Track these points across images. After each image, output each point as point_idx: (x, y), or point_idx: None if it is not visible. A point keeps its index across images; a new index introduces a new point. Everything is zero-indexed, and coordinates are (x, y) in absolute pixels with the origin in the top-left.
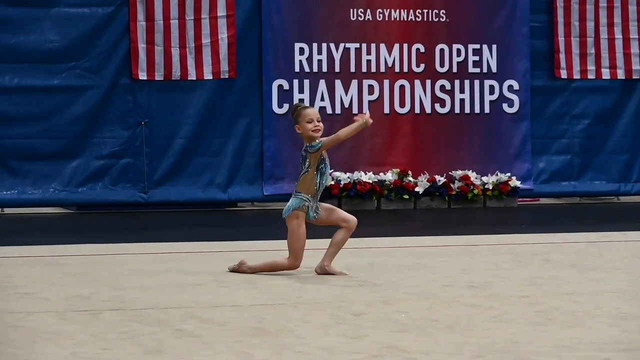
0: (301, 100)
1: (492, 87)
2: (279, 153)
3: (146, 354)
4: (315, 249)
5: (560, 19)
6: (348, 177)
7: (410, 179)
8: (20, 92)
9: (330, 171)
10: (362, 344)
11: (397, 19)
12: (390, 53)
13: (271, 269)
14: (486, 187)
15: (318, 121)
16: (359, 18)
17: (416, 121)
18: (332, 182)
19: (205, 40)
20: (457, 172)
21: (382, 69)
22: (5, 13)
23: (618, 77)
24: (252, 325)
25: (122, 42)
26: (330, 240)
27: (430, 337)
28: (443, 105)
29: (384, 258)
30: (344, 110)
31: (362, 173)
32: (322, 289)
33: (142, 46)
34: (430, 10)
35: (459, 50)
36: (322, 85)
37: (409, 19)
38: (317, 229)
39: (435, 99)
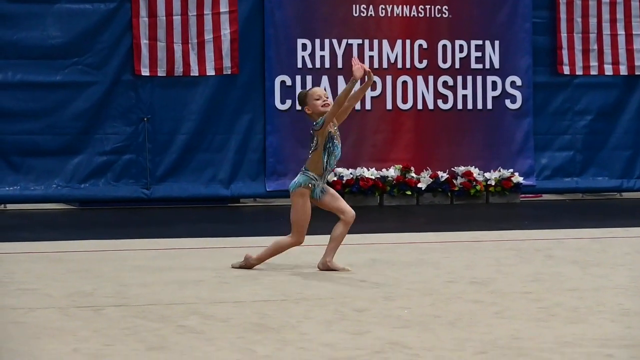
0: None
1: (494, 83)
2: (282, 149)
3: (149, 350)
4: (315, 245)
5: (563, 15)
6: (351, 173)
7: (413, 175)
8: (23, 88)
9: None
10: (365, 340)
11: (400, 15)
12: (392, 49)
13: (276, 251)
14: (489, 183)
15: (326, 97)
16: (362, 14)
17: (419, 117)
18: (335, 178)
19: (208, 36)
20: (460, 168)
21: (385, 65)
22: (7, 9)
23: (621, 73)
24: (254, 322)
25: (125, 38)
26: (329, 235)
27: (432, 333)
28: (445, 101)
29: (387, 254)
30: None
31: (365, 169)
32: (324, 285)
33: (144, 42)
34: (432, 6)
35: (461, 46)
36: (324, 81)
37: (412, 15)
38: (318, 226)
39: (437, 95)
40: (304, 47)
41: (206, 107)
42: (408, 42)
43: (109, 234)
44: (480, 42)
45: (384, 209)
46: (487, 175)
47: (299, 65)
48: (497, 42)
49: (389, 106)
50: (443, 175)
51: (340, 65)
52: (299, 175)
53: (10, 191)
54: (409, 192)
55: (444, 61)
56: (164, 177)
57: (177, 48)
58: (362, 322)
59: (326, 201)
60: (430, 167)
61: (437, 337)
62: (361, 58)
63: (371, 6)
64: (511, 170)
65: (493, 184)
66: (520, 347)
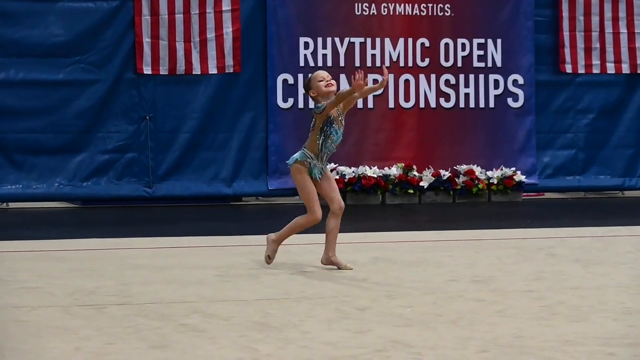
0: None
1: (496, 82)
2: (284, 147)
3: (150, 348)
4: (315, 244)
5: (565, 13)
6: (353, 172)
7: (415, 173)
8: (25, 86)
9: (336, 165)
10: (367, 338)
11: (402, 14)
12: (395, 47)
13: (295, 230)
14: (491, 181)
15: (329, 78)
16: (364, 12)
17: (421, 116)
18: (337, 177)
19: (210, 34)
20: (462, 166)
21: (387, 64)
22: (10, 7)
23: (623, 72)
24: (256, 320)
25: (127, 36)
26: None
27: (434, 332)
28: (448, 99)
29: (389, 252)
30: None
31: (367, 167)
32: (326, 284)
33: (146, 40)
34: (435, 5)
35: (463, 45)
36: None
37: (414, 14)
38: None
39: (440, 93)
40: (306, 45)
41: (208, 106)
42: (410, 40)
43: (111, 232)
44: (482, 40)
45: (386, 207)
46: (489, 173)
47: (301, 63)
48: (499, 41)
49: (391, 104)
50: (445, 174)
51: (342, 63)
52: (298, 152)
53: (12, 190)
54: (411, 191)
55: (446, 59)
56: (166, 175)
57: (180, 46)
58: (363, 321)
59: (323, 186)
60: (433, 165)
61: (439, 335)
62: (363, 57)
63: (373, 4)
64: (513, 168)
65: (495, 182)
66: (522, 346)
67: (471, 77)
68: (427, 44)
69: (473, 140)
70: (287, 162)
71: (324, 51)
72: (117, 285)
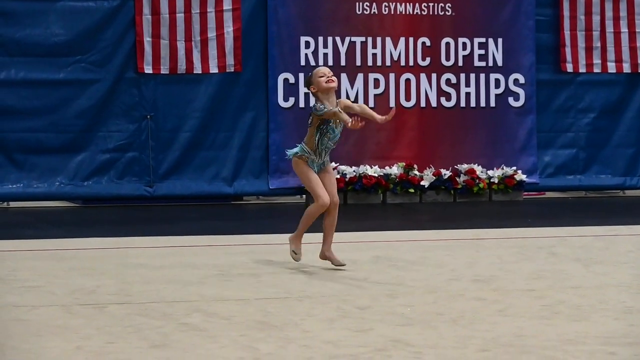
0: (307, 94)
1: (497, 81)
2: (285, 147)
3: (151, 347)
4: (315, 243)
5: (566, 13)
6: (354, 171)
7: (416, 172)
8: (26, 85)
9: (337, 164)
10: (367, 337)
11: (403, 13)
12: (395, 47)
13: (309, 220)
14: (492, 180)
15: (330, 74)
16: (365, 11)
17: (422, 115)
18: (338, 176)
19: (211, 33)
20: (463, 165)
21: (388, 63)
22: (10, 6)
23: (624, 71)
24: (257, 319)
25: (128, 35)
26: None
27: (435, 331)
28: (449, 98)
29: (389, 252)
30: None
31: (368, 167)
32: (327, 283)
33: (147, 40)
34: (435, 4)
35: (464, 44)
36: None
37: (415, 13)
38: (317, 225)
39: (440, 92)
40: (307, 44)
41: (209, 105)
42: (411, 39)
43: (111, 231)
44: (483, 39)
45: (386, 206)
46: (490, 172)
47: (302, 62)
48: (500, 40)
49: (392, 104)
50: (446, 173)
51: (343, 63)
52: (297, 146)
53: (13, 189)
54: (412, 190)
55: (447, 59)
56: (167, 174)
57: (180, 46)
58: (364, 320)
59: (322, 179)
60: (433, 164)
61: (439, 334)
62: (364, 56)
63: (374, 4)
64: (514, 167)
65: (496, 181)
66: (523, 345)
67: (472, 76)
68: (428, 43)
69: (474, 139)
70: (286, 152)
71: (325, 50)
72: (118, 284)
